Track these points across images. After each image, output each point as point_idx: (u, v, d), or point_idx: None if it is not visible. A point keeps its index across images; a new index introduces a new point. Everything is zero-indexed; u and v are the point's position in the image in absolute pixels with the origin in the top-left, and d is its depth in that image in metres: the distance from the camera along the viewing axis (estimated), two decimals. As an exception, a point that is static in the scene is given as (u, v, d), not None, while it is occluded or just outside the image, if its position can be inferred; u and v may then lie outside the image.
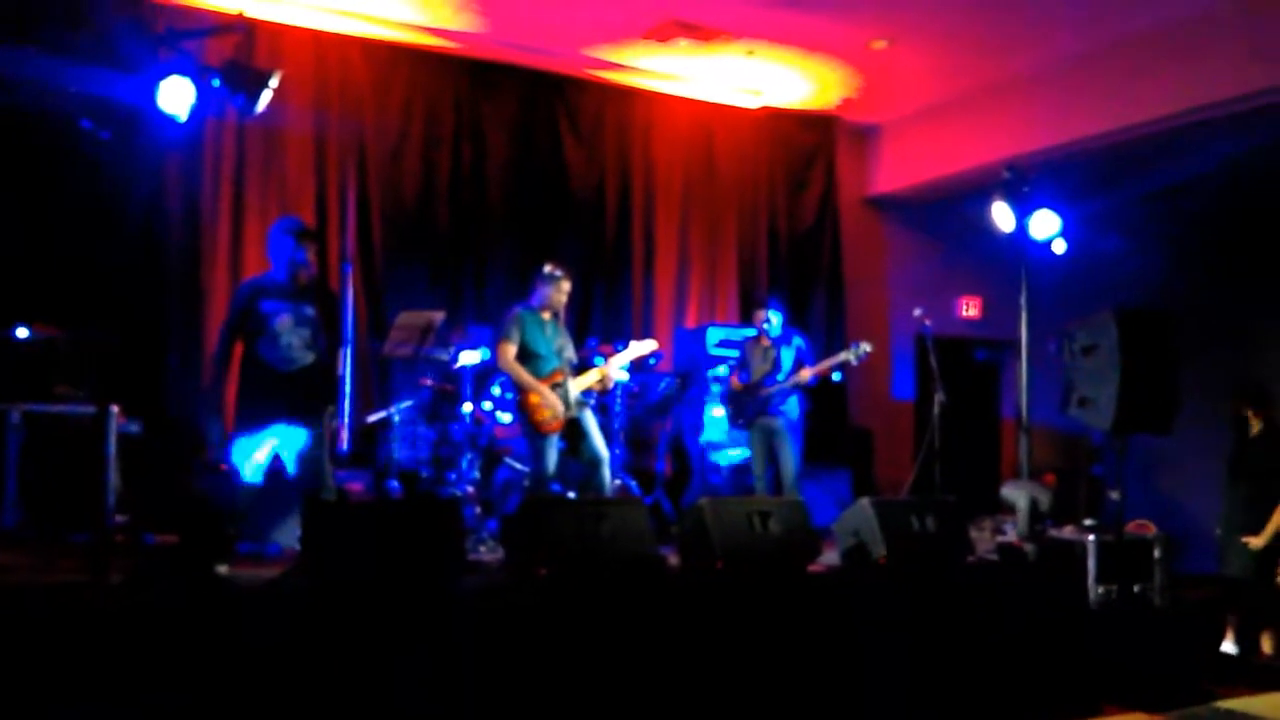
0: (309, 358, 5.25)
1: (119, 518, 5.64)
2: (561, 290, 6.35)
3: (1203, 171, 9.44)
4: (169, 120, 4.75)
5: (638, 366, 7.44)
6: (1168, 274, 10.06)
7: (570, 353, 6.42)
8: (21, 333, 6.35)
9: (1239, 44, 7.52)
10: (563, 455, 6.58)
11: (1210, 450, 8.25)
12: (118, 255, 6.47)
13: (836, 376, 7.54)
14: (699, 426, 8.33)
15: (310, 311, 5.28)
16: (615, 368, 6.53)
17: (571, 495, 6.65)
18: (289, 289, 5.30)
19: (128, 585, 4.20)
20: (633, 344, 6.73)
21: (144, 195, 7.27)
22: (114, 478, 4.92)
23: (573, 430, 6.22)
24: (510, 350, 6.19)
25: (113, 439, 4.59)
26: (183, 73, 4.73)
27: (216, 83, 4.88)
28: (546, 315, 6.34)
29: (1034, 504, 6.16)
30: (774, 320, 7.44)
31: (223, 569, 4.90)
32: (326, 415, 5.47)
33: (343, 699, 4.02)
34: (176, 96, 4.72)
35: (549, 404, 6.15)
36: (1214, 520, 7.03)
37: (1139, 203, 9.92)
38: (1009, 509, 6.46)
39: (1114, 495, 6.12)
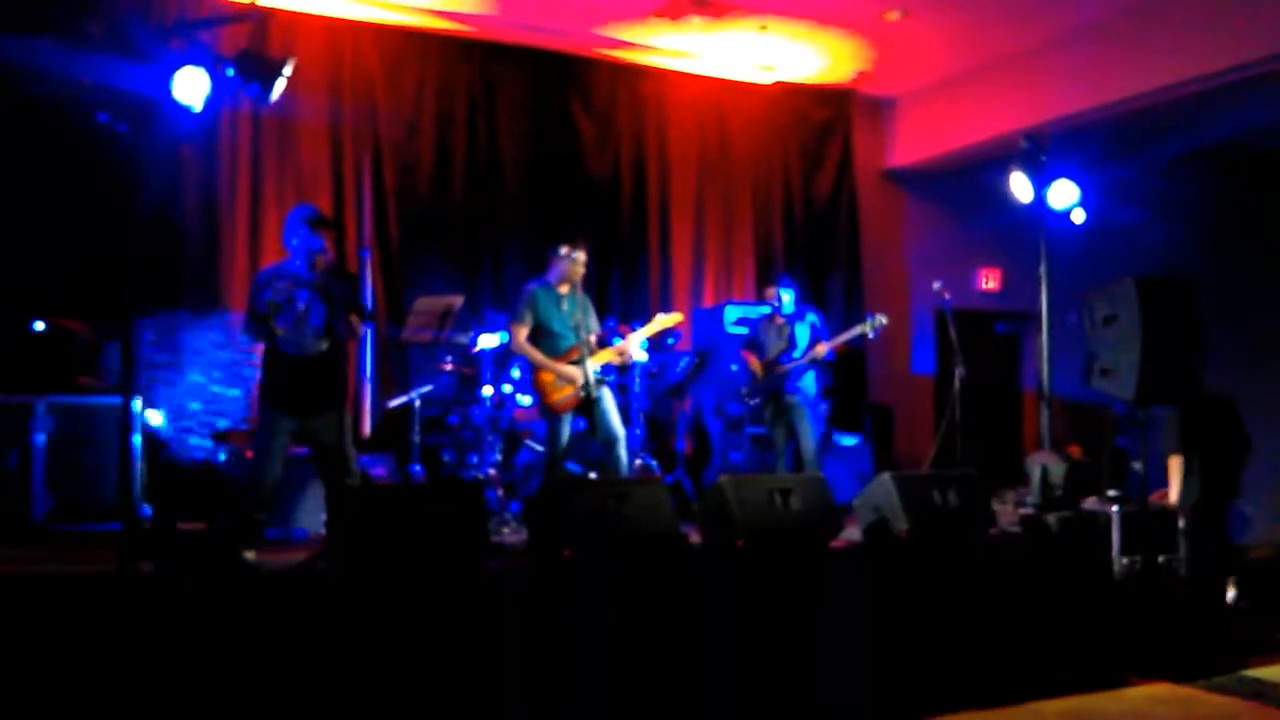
0: (323, 345, 5.26)
1: (146, 506, 5.70)
2: (578, 263, 6.33)
3: (1226, 139, 9.35)
4: (184, 111, 4.77)
5: (656, 346, 7.44)
6: (1188, 243, 9.99)
7: (591, 324, 6.40)
8: (39, 325, 6.42)
9: (1262, 6, 7.41)
10: (582, 435, 6.59)
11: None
12: (136, 246, 6.50)
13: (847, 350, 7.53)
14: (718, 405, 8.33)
15: (328, 296, 5.29)
16: (637, 342, 6.53)
17: (593, 475, 6.67)
18: (305, 277, 5.32)
19: (156, 573, 4.25)
20: (658, 316, 6.70)
21: (161, 186, 7.31)
22: (140, 467, 4.98)
23: (590, 409, 6.23)
24: (523, 331, 6.23)
25: (138, 429, 4.63)
26: (197, 63, 4.74)
27: (230, 72, 4.89)
28: (564, 289, 6.34)
29: (1044, 474, 6.14)
30: (785, 298, 7.43)
31: (250, 555, 4.95)
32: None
33: (369, 682, 4.06)
34: (191, 87, 4.73)
35: (563, 383, 6.17)
36: (1242, 489, 7.00)
37: (1159, 171, 9.83)
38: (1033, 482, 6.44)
39: (1137, 466, 6.10)
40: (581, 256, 6.33)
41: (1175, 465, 6.30)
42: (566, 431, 6.25)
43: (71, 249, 6.87)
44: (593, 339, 6.41)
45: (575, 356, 6.19)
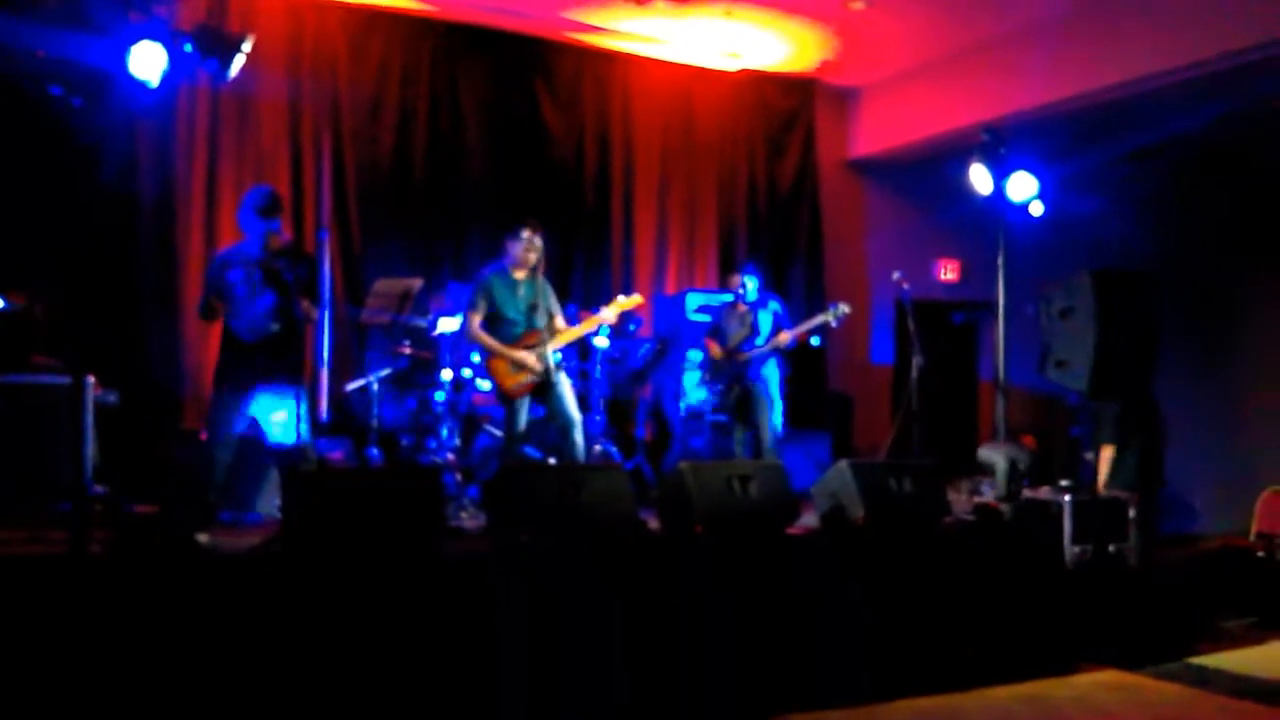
0: (275, 327, 5.22)
1: (97, 488, 5.62)
2: (532, 247, 6.27)
3: (1184, 132, 9.46)
4: (141, 86, 4.69)
5: (618, 332, 7.43)
6: (1147, 236, 10.10)
7: (551, 308, 6.37)
8: None
9: (1223, 2, 7.50)
10: (541, 421, 6.58)
11: (1188, 412, 8.32)
12: (92, 223, 6.41)
13: (815, 341, 7.53)
14: (679, 392, 8.35)
15: (280, 280, 5.24)
16: (598, 322, 6.53)
17: (553, 461, 6.67)
18: (259, 259, 5.28)
19: (107, 555, 4.19)
20: (619, 298, 6.69)
21: (117, 162, 7.19)
22: (91, 448, 4.91)
23: (547, 394, 6.22)
24: (475, 319, 6.23)
25: (89, 409, 4.57)
26: (154, 37, 4.67)
27: (188, 47, 4.81)
28: (521, 274, 6.31)
29: (1013, 464, 6.21)
30: (750, 285, 7.45)
31: (203, 538, 4.90)
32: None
33: (324, 666, 4.04)
34: (148, 61, 4.66)
35: (514, 368, 6.18)
36: (1190, 481, 7.12)
37: (1118, 164, 9.93)
38: (986, 470, 6.52)
39: (1089, 456, 6.19)
40: (536, 240, 6.28)
41: (1106, 455, 6.41)
42: (524, 416, 6.25)
43: (24, 225, 6.75)
44: (559, 321, 6.39)
45: (531, 341, 6.19)
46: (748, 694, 4.75)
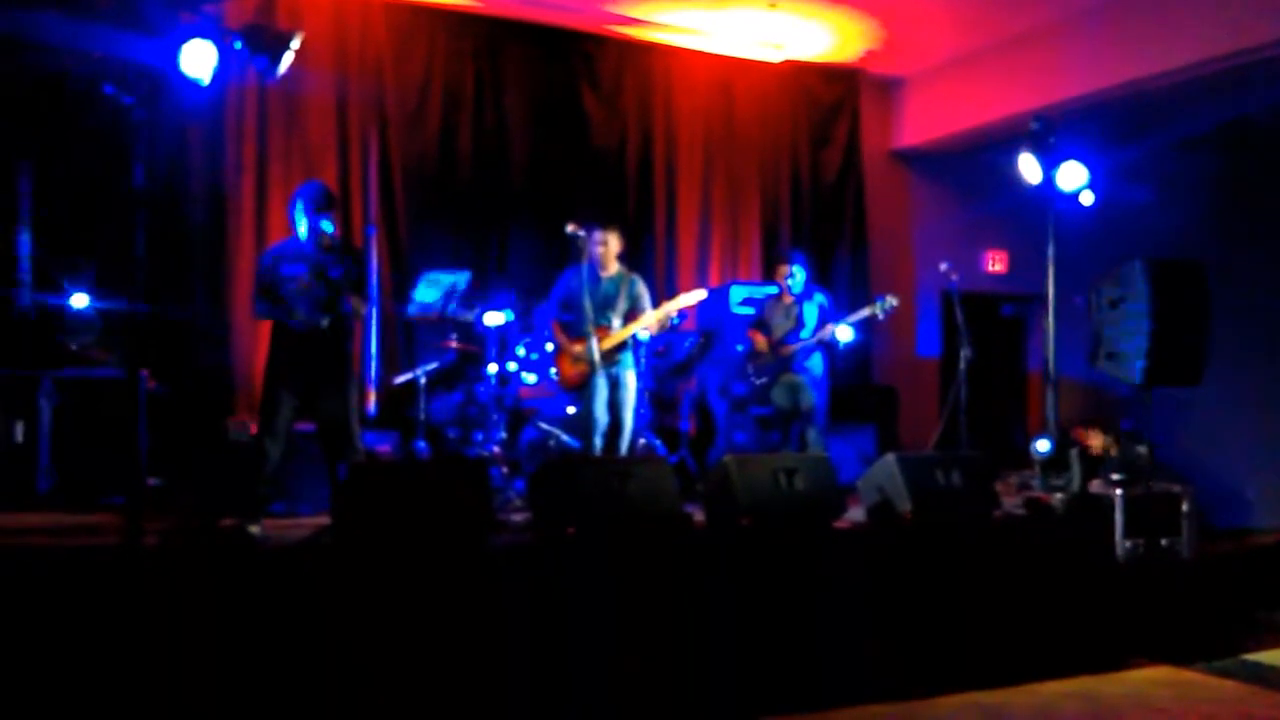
0: (325, 320, 5.28)
1: (151, 480, 5.71)
2: (594, 243, 6.55)
3: (1237, 119, 9.29)
4: (192, 84, 4.75)
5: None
6: (1197, 225, 9.94)
7: (636, 305, 6.59)
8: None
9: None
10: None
11: (1240, 403, 8.18)
12: (143, 220, 6.47)
13: (851, 335, 7.41)
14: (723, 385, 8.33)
15: (329, 275, 5.30)
16: (654, 319, 6.59)
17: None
18: (309, 254, 5.33)
19: (161, 547, 4.26)
20: (680, 295, 6.78)
21: (168, 159, 7.29)
22: (145, 441, 4.98)
23: (610, 392, 6.44)
24: (551, 313, 6.70)
25: (144, 403, 4.64)
26: (205, 36, 4.72)
27: (238, 45, 4.87)
28: (605, 272, 6.60)
29: (1085, 456, 6.14)
30: (798, 275, 7.42)
31: (255, 529, 4.97)
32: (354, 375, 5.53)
33: (372, 656, 4.08)
34: (199, 60, 4.71)
35: (572, 361, 6.51)
36: (1244, 474, 7.00)
37: (1169, 152, 9.78)
38: (1058, 464, 6.43)
39: (1141, 449, 6.09)
40: (599, 236, 6.59)
41: None
42: (591, 409, 6.36)
43: (76, 221, 6.87)
44: (650, 315, 6.53)
45: (597, 336, 6.35)
46: (793, 687, 4.74)
